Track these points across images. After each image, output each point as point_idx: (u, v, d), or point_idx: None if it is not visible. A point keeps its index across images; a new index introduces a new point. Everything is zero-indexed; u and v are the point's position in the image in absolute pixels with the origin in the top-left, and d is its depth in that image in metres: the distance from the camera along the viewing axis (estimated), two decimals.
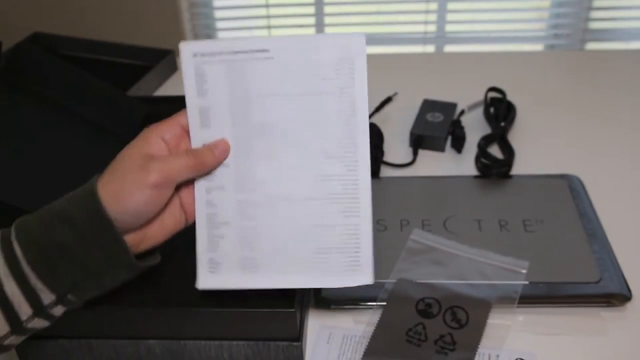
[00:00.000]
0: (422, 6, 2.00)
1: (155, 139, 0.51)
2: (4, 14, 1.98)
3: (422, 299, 0.61)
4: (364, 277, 0.53)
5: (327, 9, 2.04)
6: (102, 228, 0.46)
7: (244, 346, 0.56)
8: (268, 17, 2.05)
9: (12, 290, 0.45)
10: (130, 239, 0.49)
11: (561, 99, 0.98)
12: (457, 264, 0.65)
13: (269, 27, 2.06)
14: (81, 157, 0.77)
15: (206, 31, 2.09)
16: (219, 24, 2.09)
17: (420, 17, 2.03)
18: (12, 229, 0.47)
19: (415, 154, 0.86)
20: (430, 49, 2.10)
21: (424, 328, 0.58)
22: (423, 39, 2.07)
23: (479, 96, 0.94)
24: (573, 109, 0.95)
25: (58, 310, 0.47)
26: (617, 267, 0.65)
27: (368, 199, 0.52)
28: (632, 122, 0.91)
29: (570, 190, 0.75)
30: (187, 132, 0.53)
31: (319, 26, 2.06)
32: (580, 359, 0.58)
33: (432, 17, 2.02)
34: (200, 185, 0.53)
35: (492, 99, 0.93)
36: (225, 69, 0.52)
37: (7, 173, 0.67)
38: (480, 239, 0.69)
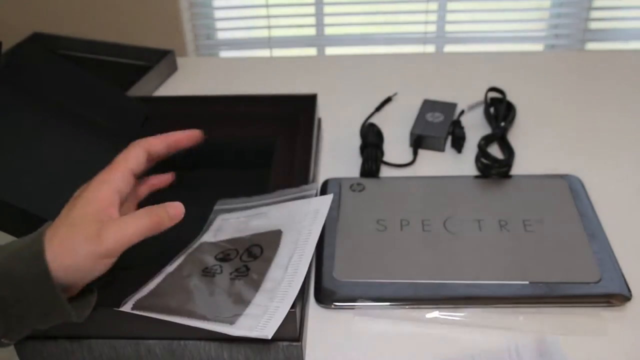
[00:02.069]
0: (422, 6, 2.01)
1: (112, 195, 0.50)
2: (4, 14, 1.98)
3: (221, 252, 0.62)
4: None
5: (327, 9, 2.04)
6: (45, 290, 0.44)
7: (244, 346, 0.56)
8: (268, 17, 2.05)
9: None
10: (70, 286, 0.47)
11: (561, 99, 0.98)
12: (267, 214, 0.67)
13: (269, 27, 2.06)
14: (81, 157, 0.77)
15: (206, 31, 2.09)
16: (219, 24, 2.10)
17: (420, 17, 2.03)
18: None
19: (415, 154, 0.86)
20: (430, 49, 2.10)
21: (221, 267, 0.59)
22: (423, 39, 2.07)
23: (479, 96, 0.94)
24: (573, 109, 0.95)
25: None
26: (617, 267, 0.65)
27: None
28: (632, 122, 0.91)
29: (570, 190, 0.75)
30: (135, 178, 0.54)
31: (319, 26, 2.06)
32: (581, 359, 0.58)
33: (432, 17, 2.02)
34: None
35: (492, 99, 0.93)
36: None
37: (6, 173, 0.67)
38: (480, 239, 0.69)
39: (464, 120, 0.91)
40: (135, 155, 0.55)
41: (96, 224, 0.47)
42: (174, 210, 0.52)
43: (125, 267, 0.63)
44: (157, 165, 0.87)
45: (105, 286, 0.61)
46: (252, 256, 0.60)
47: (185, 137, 0.62)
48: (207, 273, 0.58)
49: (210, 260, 0.60)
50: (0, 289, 0.44)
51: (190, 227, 0.69)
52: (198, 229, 0.69)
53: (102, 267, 0.47)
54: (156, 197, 0.81)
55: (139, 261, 0.67)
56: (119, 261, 0.50)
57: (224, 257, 0.61)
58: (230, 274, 0.58)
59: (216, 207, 0.72)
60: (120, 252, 0.48)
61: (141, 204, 0.61)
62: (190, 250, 0.64)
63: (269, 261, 0.59)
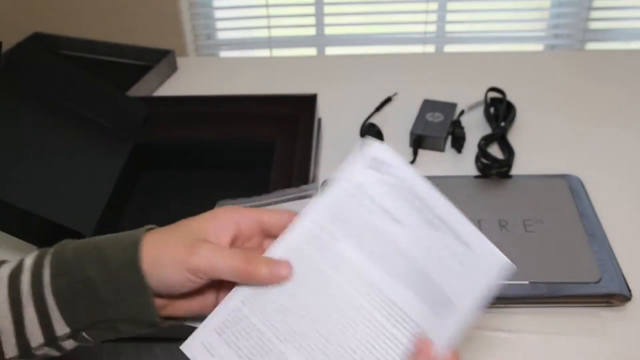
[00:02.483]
0: (422, 6, 2.00)
1: (227, 221, 0.46)
2: (4, 14, 1.98)
3: None
4: None
5: (327, 9, 2.04)
6: (134, 279, 0.44)
7: None
8: (268, 17, 2.05)
9: (30, 315, 0.44)
10: (155, 300, 0.46)
11: (561, 99, 0.98)
12: None
13: (269, 27, 2.06)
14: (81, 157, 0.77)
15: (206, 31, 2.09)
16: (219, 24, 2.09)
17: (420, 17, 2.02)
18: (50, 252, 0.45)
19: (415, 154, 0.86)
20: (430, 49, 2.10)
21: None
22: (423, 39, 2.07)
23: (479, 96, 0.94)
24: (573, 109, 0.95)
25: (69, 344, 0.46)
26: (617, 267, 0.65)
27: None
28: (632, 122, 0.91)
29: (570, 190, 0.75)
30: (263, 232, 0.48)
31: (319, 26, 2.06)
32: (581, 359, 0.58)
33: (432, 17, 2.02)
34: (240, 291, 0.45)
35: (492, 99, 0.93)
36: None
37: (7, 173, 0.67)
38: None
39: (464, 120, 0.91)
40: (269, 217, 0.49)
41: (196, 236, 0.45)
42: (277, 270, 0.45)
43: None
44: (157, 165, 0.87)
45: None
46: None
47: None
48: None
49: None
50: (91, 270, 0.44)
51: None
52: None
53: (184, 281, 0.44)
54: (157, 197, 0.81)
55: None
56: None
57: None
58: None
59: (216, 208, 0.72)
60: (205, 277, 0.44)
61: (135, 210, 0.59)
62: None
63: None
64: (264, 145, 0.80)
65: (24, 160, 0.70)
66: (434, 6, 2.00)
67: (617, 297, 0.62)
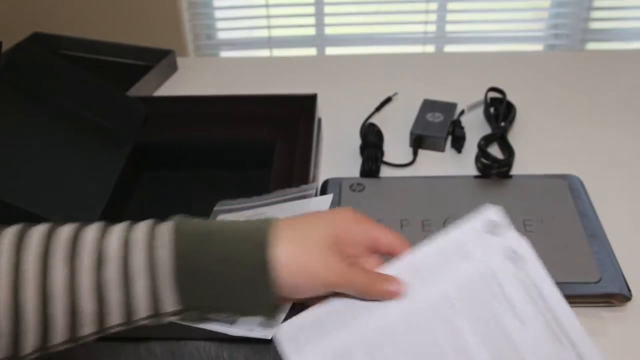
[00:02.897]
0: (422, 6, 2.00)
1: (360, 236, 0.48)
2: (4, 14, 1.98)
3: None
4: None
5: (327, 9, 2.04)
6: (262, 283, 0.44)
7: (244, 346, 0.56)
8: (268, 17, 2.05)
9: (140, 289, 0.43)
10: None
11: (561, 99, 0.98)
12: (267, 214, 0.66)
13: (269, 27, 2.06)
14: (81, 157, 0.77)
15: (206, 31, 2.09)
16: (219, 24, 2.09)
17: (420, 17, 2.03)
18: (171, 229, 0.44)
19: (415, 154, 0.86)
20: (430, 49, 2.10)
21: None
22: (423, 39, 2.07)
23: (479, 96, 0.94)
24: (573, 109, 0.95)
25: (172, 319, 0.45)
26: (617, 267, 0.65)
27: None
28: (633, 122, 0.91)
29: (570, 190, 0.75)
30: (372, 248, 0.49)
31: (319, 26, 2.06)
32: None
33: (432, 17, 2.02)
34: (335, 303, 0.48)
35: (492, 99, 0.93)
36: None
37: (7, 172, 0.67)
38: None
39: (464, 120, 0.91)
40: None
41: (327, 244, 0.46)
42: (392, 287, 0.47)
43: None
44: (157, 165, 0.87)
45: None
46: None
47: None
48: None
49: None
50: (217, 251, 0.43)
51: None
52: None
53: (314, 292, 0.46)
54: (157, 197, 0.81)
55: None
56: None
57: None
58: None
59: (216, 208, 0.72)
60: (334, 290, 0.46)
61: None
62: None
63: None
64: (264, 145, 0.80)
65: (24, 160, 0.70)
66: (434, 6, 2.00)
67: (617, 297, 0.62)
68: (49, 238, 0.43)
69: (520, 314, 0.46)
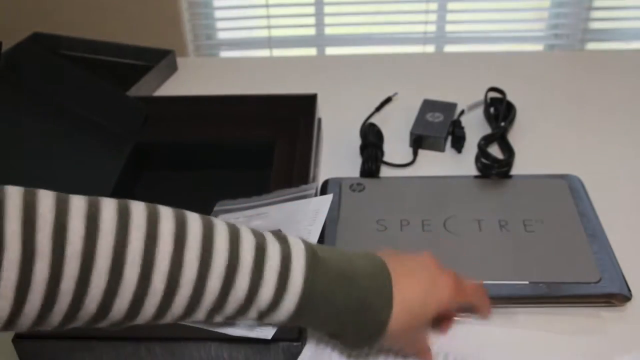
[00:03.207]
0: (422, 6, 2.01)
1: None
2: (4, 14, 1.98)
3: None
4: None
5: (327, 9, 2.04)
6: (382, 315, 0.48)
7: (244, 346, 0.56)
8: (268, 17, 2.05)
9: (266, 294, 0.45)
10: None
11: (561, 99, 0.98)
12: (267, 214, 0.67)
13: (269, 27, 2.06)
14: (81, 157, 0.77)
15: (206, 31, 2.09)
16: (219, 24, 2.10)
17: (420, 17, 2.03)
18: (304, 246, 0.47)
19: (415, 154, 0.86)
20: (430, 49, 2.10)
21: None
22: (423, 39, 2.07)
23: (479, 96, 0.94)
24: (573, 108, 0.95)
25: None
26: (617, 267, 0.65)
27: None
28: (632, 122, 0.91)
29: (570, 190, 0.75)
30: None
31: (319, 26, 2.06)
32: (581, 359, 0.58)
33: (432, 17, 2.02)
34: None
35: (492, 99, 0.93)
36: None
37: (7, 173, 0.67)
38: (480, 239, 0.69)
39: (464, 120, 0.91)
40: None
41: (429, 306, 0.51)
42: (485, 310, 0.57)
43: None
44: (157, 165, 0.87)
45: None
46: None
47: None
48: None
49: None
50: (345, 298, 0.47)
51: None
52: None
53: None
54: (157, 197, 0.81)
55: None
56: None
57: None
58: None
59: (216, 209, 0.72)
60: None
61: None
62: None
63: None
64: (264, 145, 0.80)
65: (24, 160, 0.70)
66: (434, 6, 2.00)
67: (617, 297, 0.62)
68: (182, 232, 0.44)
69: None
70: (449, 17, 2.03)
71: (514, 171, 0.80)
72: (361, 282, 0.47)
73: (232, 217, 0.69)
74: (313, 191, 0.67)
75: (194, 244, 0.43)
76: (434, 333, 0.56)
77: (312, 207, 0.64)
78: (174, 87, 1.06)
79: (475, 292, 0.56)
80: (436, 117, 0.90)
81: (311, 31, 2.08)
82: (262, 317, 0.46)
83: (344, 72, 1.08)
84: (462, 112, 0.93)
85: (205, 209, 0.72)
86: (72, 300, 0.40)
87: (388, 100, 0.97)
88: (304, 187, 0.69)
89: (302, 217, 0.63)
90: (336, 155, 0.87)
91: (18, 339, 0.57)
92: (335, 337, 0.50)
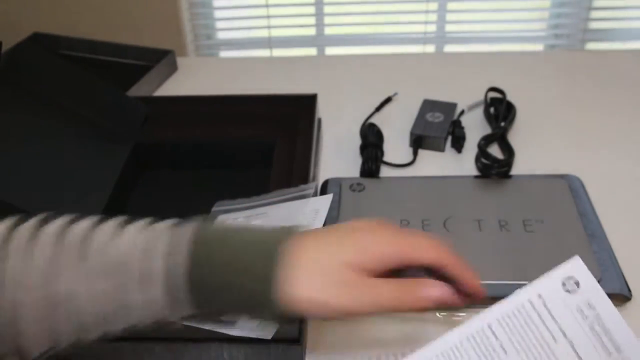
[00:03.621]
0: (422, 6, 2.01)
1: (391, 260, 0.44)
2: (4, 14, 1.98)
3: None
4: None
5: (327, 9, 2.04)
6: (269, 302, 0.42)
7: (244, 346, 0.56)
8: (268, 17, 2.05)
9: (155, 294, 0.43)
10: None
11: (561, 99, 0.98)
12: (267, 214, 0.67)
13: (269, 27, 2.06)
14: (81, 157, 0.77)
15: (206, 31, 2.09)
16: (219, 24, 2.10)
17: (420, 17, 2.03)
18: (191, 238, 0.43)
19: (415, 154, 0.86)
20: (430, 49, 2.10)
21: None
22: (423, 39, 2.07)
23: (479, 96, 0.94)
24: (573, 109, 0.95)
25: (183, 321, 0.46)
26: (617, 267, 0.65)
27: None
28: (632, 122, 0.91)
29: (570, 190, 0.75)
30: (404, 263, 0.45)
31: (319, 26, 2.06)
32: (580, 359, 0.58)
33: (432, 17, 2.02)
34: None
35: (492, 99, 0.93)
36: None
37: (6, 173, 0.67)
38: (480, 239, 0.69)
39: (464, 120, 0.91)
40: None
41: (350, 269, 0.43)
42: (434, 291, 0.44)
43: None
44: (157, 165, 0.87)
45: None
46: None
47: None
48: None
49: None
50: (222, 253, 0.43)
51: None
52: None
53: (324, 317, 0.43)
54: (157, 197, 0.81)
55: None
56: None
57: None
58: None
59: (214, 209, 0.72)
60: (362, 315, 0.43)
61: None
62: None
63: None
64: (264, 145, 0.80)
65: (24, 160, 0.70)
66: (434, 6, 2.00)
67: (617, 297, 0.62)
68: (60, 237, 0.43)
69: (574, 341, 0.45)
70: (449, 17, 2.03)
71: (514, 171, 0.80)
72: (238, 280, 0.43)
73: (232, 217, 0.69)
74: (312, 191, 0.67)
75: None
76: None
77: (312, 207, 0.65)
78: (174, 87, 1.06)
79: (455, 261, 0.47)
80: (436, 117, 0.90)
81: (311, 31, 2.08)
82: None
83: (344, 72, 1.08)
84: (462, 112, 0.93)
85: (205, 209, 0.72)
86: None
87: (388, 100, 0.97)
88: (302, 186, 0.69)
89: (302, 217, 0.63)
90: (336, 155, 0.87)
91: None
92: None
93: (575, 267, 0.47)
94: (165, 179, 0.84)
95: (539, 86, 1.01)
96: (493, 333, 0.45)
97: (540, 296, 0.46)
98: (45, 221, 0.44)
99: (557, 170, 0.80)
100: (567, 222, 0.70)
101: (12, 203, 0.62)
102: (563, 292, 0.46)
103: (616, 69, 1.05)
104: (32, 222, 0.44)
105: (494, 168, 0.79)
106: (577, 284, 0.46)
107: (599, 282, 0.63)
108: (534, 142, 0.87)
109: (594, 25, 2.01)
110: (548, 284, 0.46)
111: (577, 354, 0.45)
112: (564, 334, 0.45)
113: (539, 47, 2.10)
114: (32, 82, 0.79)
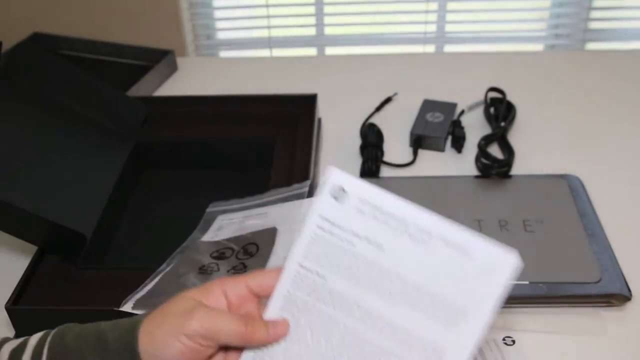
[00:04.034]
0: (422, 6, 2.00)
1: (217, 292, 0.45)
2: (4, 14, 1.98)
3: (217, 250, 0.62)
4: None
5: (327, 9, 2.04)
6: None
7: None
8: (268, 17, 2.05)
9: None
10: None
11: (561, 99, 0.98)
12: (266, 214, 0.67)
13: (269, 27, 2.06)
14: (81, 157, 0.77)
15: (206, 31, 2.09)
16: (219, 24, 2.09)
17: (420, 17, 2.02)
18: (51, 333, 0.45)
19: (415, 154, 0.86)
20: (430, 49, 2.09)
21: (218, 265, 0.60)
22: (423, 39, 2.07)
23: (479, 96, 0.94)
24: (573, 109, 0.95)
25: None
26: (617, 267, 0.65)
27: None
28: (632, 122, 0.91)
29: (570, 190, 0.75)
30: (254, 296, 0.46)
31: (319, 26, 2.06)
32: (580, 359, 0.58)
33: (432, 17, 2.02)
34: (247, 355, 0.46)
35: (492, 99, 0.93)
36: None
37: (6, 173, 0.67)
38: None
39: (464, 120, 0.91)
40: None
41: (192, 304, 0.44)
42: (275, 329, 0.44)
43: (132, 268, 0.63)
44: (157, 165, 0.87)
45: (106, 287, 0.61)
46: (249, 254, 0.60)
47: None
48: (204, 271, 0.58)
49: (205, 259, 0.60)
50: (91, 354, 0.44)
51: (193, 227, 0.69)
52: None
53: (187, 352, 0.42)
54: (157, 197, 0.81)
55: (143, 262, 0.67)
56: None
57: (219, 256, 0.61)
58: (228, 271, 0.58)
59: (209, 210, 0.72)
60: (206, 341, 0.43)
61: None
62: (184, 249, 0.64)
63: (265, 258, 0.59)
64: (264, 145, 0.80)
65: (24, 160, 0.70)
66: (434, 6, 2.00)
67: (617, 297, 0.62)
68: None
69: (374, 240, 0.44)
70: (449, 17, 2.02)
71: (514, 171, 0.80)
72: None
73: (228, 218, 0.69)
74: (306, 189, 0.67)
75: None
76: None
77: (309, 207, 0.65)
78: (174, 87, 1.06)
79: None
80: (436, 117, 0.90)
81: (311, 31, 2.08)
82: None
83: (344, 72, 1.08)
84: (462, 112, 0.93)
85: (205, 208, 0.72)
86: None
87: (388, 100, 0.97)
88: (296, 185, 0.69)
89: (300, 215, 0.63)
90: (336, 155, 0.87)
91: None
92: None
93: (333, 175, 0.47)
94: (165, 179, 0.84)
95: (539, 86, 1.01)
96: (308, 270, 0.45)
97: (323, 217, 0.46)
98: None
99: (557, 170, 0.80)
100: (567, 222, 0.70)
101: (12, 203, 0.62)
102: (338, 203, 0.46)
103: (616, 69, 1.05)
104: None
105: (494, 168, 0.79)
106: (343, 189, 0.46)
107: (598, 282, 0.63)
108: (534, 142, 0.87)
109: (594, 25, 2.01)
110: (323, 204, 0.46)
111: (381, 247, 0.44)
112: (367, 239, 0.44)
113: (539, 47, 2.10)
114: (32, 82, 0.79)
